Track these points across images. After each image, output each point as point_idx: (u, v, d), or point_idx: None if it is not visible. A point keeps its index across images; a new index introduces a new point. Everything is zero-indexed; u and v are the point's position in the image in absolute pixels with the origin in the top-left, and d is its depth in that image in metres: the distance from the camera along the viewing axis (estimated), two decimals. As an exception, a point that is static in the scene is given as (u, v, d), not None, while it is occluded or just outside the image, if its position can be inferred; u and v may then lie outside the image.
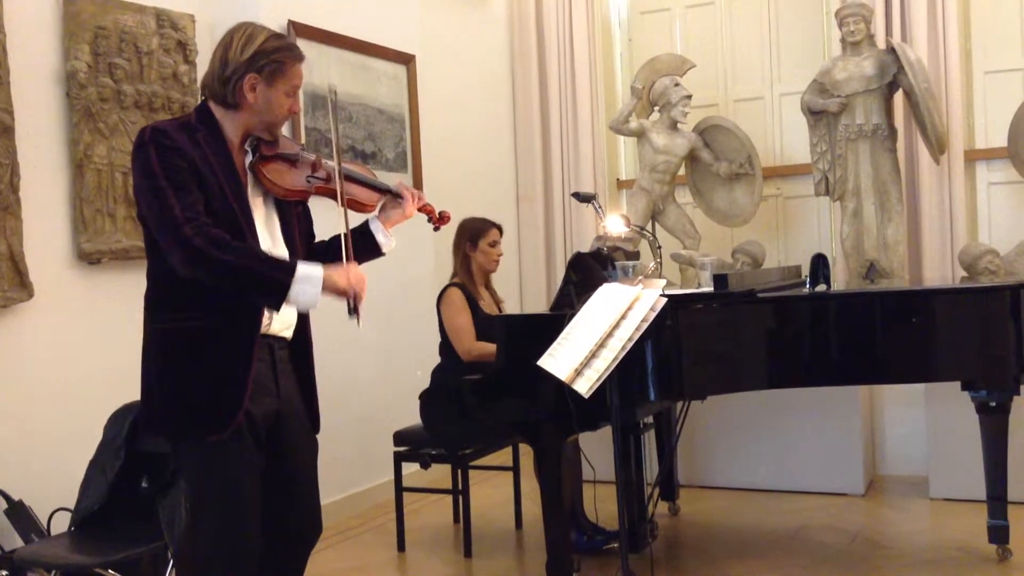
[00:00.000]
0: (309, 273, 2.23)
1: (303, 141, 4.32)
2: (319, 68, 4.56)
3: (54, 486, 3.30)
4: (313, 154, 2.44)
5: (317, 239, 2.58)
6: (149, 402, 2.32)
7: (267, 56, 2.28)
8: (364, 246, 2.51)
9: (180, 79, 4.02)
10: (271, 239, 2.36)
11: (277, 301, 2.24)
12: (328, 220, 2.56)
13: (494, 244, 4.14)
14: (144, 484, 3.02)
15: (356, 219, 2.46)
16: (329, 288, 2.25)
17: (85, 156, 3.66)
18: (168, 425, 2.31)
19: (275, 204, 2.41)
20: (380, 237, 2.54)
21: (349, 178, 2.45)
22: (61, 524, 3.18)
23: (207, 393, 2.24)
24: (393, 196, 2.56)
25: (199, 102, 2.38)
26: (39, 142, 3.55)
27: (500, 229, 4.19)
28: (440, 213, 2.64)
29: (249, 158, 2.36)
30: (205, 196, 2.22)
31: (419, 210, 2.58)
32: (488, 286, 4.24)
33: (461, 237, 4.13)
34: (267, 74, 2.29)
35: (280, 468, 2.38)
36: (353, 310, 2.27)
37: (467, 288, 4.07)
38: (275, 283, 2.21)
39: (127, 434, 3.03)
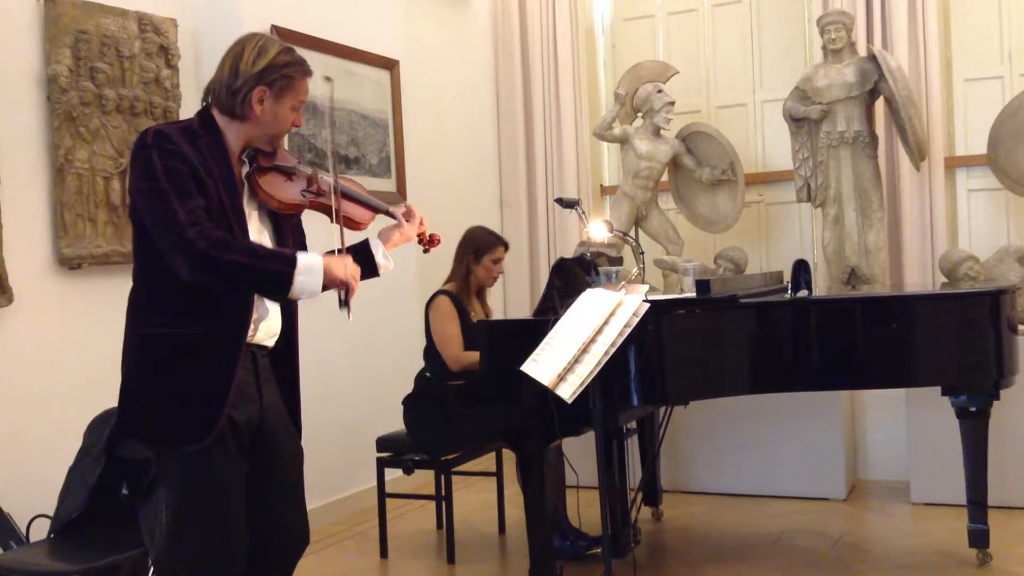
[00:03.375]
0: (310, 263, 2.23)
1: (287, 146, 4.31)
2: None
3: (33, 493, 3.27)
4: (310, 168, 2.44)
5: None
6: (128, 406, 2.30)
7: (278, 70, 2.28)
8: (361, 265, 2.42)
9: (162, 83, 4.00)
10: None
11: (282, 294, 2.24)
12: (321, 235, 2.55)
13: (497, 261, 4.08)
14: (124, 491, 3.00)
15: (350, 237, 2.44)
16: (328, 277, 2.24)
17: (66, 161, 3.64)
18: (148, 430, 2.29)
19: (268, 216, 2.41)
20: (379, 258, 2.52)
21: (344, 195, 2.45)
22: (40, 531, 3.15)
23: (189, 399, 2.23)
24: (389, 216, 2.56)
25: (201, 107, 2.35)
26: (19, 146, 3.52)
27: (507, 246, 4.13)
28: (431, 236, 2.64)
29: (246, 168, 2.36)
30: (204, 202, 2.20)
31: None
32: (480, 296, 4.17)
33: (466, 247, 4.06)
34: (277, 88, 2.29)
35: (266, 476, 2.37)
36: (344, 302, 2.27)
37: (459, 298, 4.02)
38: (279, 276, 2.21)
39: (107, 440, 3.00)
